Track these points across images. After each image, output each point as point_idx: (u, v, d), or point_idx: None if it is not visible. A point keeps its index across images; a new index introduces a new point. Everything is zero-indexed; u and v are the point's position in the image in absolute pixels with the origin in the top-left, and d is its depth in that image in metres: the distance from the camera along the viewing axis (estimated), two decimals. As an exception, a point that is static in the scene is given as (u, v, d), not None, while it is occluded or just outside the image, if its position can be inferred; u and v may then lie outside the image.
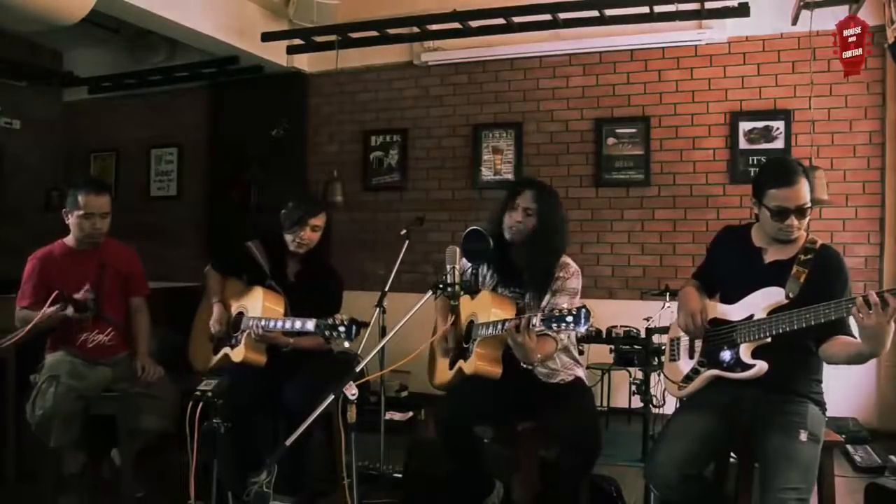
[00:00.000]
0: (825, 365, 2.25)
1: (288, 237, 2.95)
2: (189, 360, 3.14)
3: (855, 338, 2.05)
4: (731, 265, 2.37)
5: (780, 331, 2.08)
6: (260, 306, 2.85)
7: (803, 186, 2.15)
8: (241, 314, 2.95)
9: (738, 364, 2.18)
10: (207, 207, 6.06)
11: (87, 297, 2.82)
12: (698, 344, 2.36)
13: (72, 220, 2.95)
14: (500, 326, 2.39)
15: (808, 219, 2.20)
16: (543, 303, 2.55)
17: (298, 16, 5.13)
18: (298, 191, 3.12)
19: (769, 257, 2.28)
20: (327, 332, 2.48)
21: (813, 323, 2.00)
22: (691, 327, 2.32)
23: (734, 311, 2.26)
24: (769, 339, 2.14)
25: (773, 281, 2.19)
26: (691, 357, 2.38)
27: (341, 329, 2.45)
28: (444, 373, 2.72)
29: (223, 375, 2.41)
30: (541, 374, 2.56)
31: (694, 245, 4.67)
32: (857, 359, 2.03)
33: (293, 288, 2.96)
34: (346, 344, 2.48)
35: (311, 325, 2.58)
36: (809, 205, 2.18)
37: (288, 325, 2.72)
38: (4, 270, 3.69)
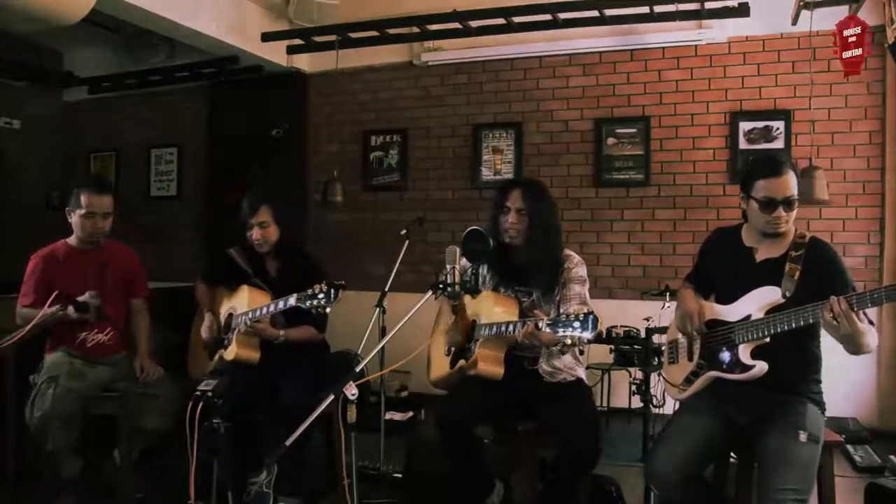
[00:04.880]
0: (825, 364, 2.25)
1: (249, 240, 2.99)
2: (189, 371, 3.16)
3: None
4: (723, 266, 2.38)
5: (779, 330, 2.08)
6: (246, 303, 2.88)
7: (791, 179, 2.19)
8: (230, 315, 2.97)
9: (738, 365, 2.18)
10: (207, 207, 6.05)
11: (91, 301, 2.82)
12: (697, 346, 2.35)
13: (74, 219, 2.95)
14: (503, 329, 2.39)
15: (794, 212, 2.21)
16: (556, 295, 2.56)
17: (298, 16, 5.12)
18: (249, 190, 3.15)
19: (760, 256, 2.29)
20: (308, 303, 2.48)
21: (812, 321, 2.00)
22: (689, 328, 2.33)
23: (731, 312, 2.26)
24: (768, 339, 2.13)
25: (766, 279, 2.19)
26: (690, 359, 2.37)
27: (321, 296, 2.45)
28: (441, 367, 2.72)
29: (223, 375, 2.41)
30: (544, 373, 2.56)
31: (694, 245, 4.65)
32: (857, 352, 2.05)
33: (277, 284, 2.98)
34: (329, 309, 2.46)
35: (292, 300, 2.58)
36: (796, 197, 2.20)
37: (272, 307, 2.73)
38: (4, 270, 3.69)
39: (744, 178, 2.31)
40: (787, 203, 2.18)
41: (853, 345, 1.99)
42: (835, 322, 1.92)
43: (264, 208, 2.96)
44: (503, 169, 5.16)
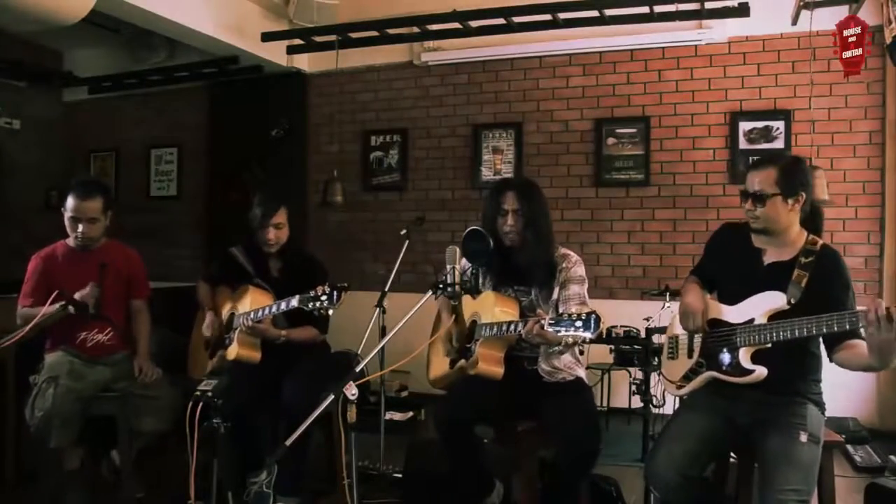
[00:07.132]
0: (825, 365, 2.25)
1: (259, 240, 2.99)
2: (189, 373, 3.17)
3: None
4: (730, 265, 2.35)
5: (781, 338, 2.05)
6: (249, 303, 2.88)
7: (766, 173, 2.17)
8: (232, 315, 2.97)
9: (738, 368, 2.16)
10: (207, 207, 6.05)
11: (88, 299, 2.81)
12: (697, 343, 2.35)
13: (65, 220, 2.95)
14: (504, 328, 2.39)
15: (768, 208, 2.16)
16: (554, 295, 2.56)
17: (298, 16, 5.12)
18: (262, 191, 3.16)
19: (768, 258, 2.25)
20: (311, 304, 2.48)
21: (815, 332, 1.97)
22: (691, 325, 2.32)
23: (734, 313, 2.23)
24: (769, 345, 2.11)
25: (773, 283, 2.15)
26: (690, 356, 2.36)
27: (323, 298, 2.45)
28: (440, 367, 2.72)
29: (223, 375, 2.41)
30: (543, 372, 2.56)
31: (694, 245, 4.66)
32: (868, 369, 1.99)
33: (279, 284, 2.98)
34: (331, 311, 2.48)
35: (295, 301, 2.59)
36: (770, 193, 2.15)
37: (274, 308, 2.74)
38: (4, 270, 3.69)
39: None
40: (756, 197, 2.17)
41: (882, 357, 1.85)
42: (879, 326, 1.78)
43: (283, 210, 2.99)
44: (503, 169, 5.16)
